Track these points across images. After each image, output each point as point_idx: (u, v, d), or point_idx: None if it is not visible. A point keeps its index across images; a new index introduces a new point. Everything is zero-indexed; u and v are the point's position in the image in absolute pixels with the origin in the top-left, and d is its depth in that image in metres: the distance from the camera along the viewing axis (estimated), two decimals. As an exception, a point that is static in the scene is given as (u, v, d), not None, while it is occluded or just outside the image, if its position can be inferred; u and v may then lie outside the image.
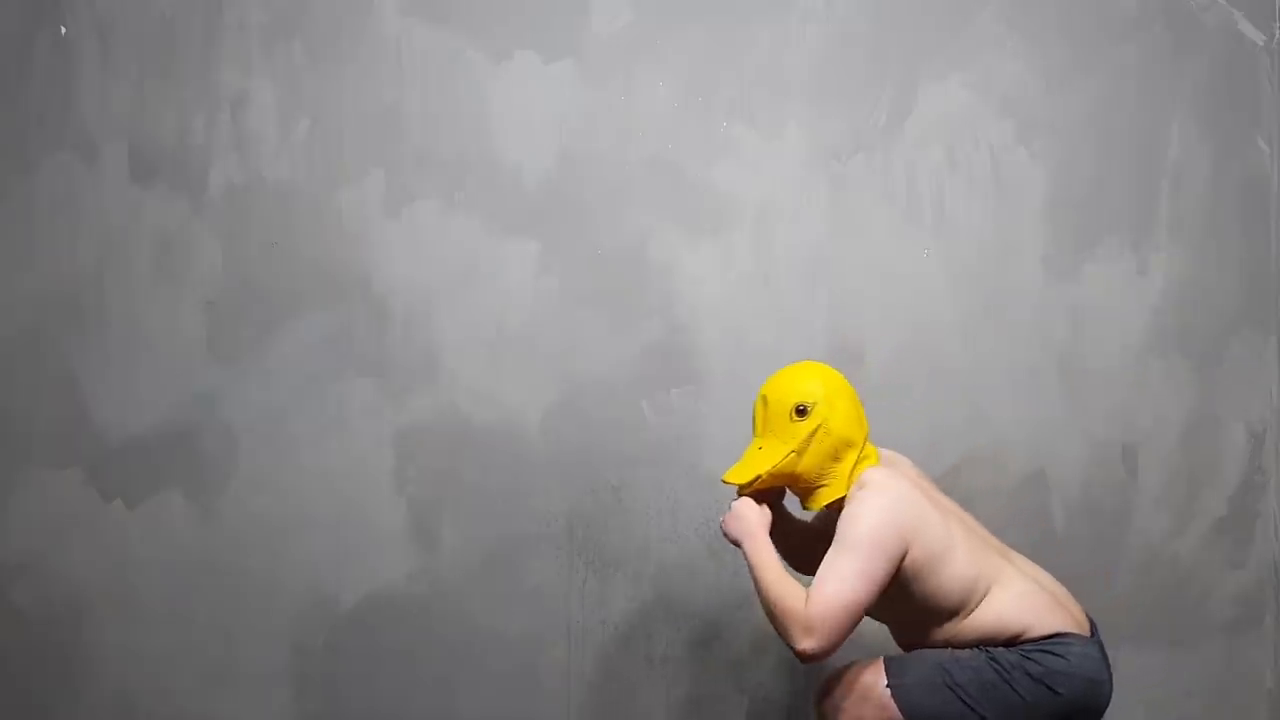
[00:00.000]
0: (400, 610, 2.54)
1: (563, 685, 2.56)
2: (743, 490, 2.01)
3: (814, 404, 1.97)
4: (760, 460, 1.98)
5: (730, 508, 2.02)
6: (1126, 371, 2.65)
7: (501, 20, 2.56)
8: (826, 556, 1.89)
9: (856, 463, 1.99)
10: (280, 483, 2.53)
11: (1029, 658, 1.93)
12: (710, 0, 2.60)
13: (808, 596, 1.85)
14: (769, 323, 2.58)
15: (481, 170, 2.56)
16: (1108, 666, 2.01)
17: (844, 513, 1.93)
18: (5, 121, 2.51)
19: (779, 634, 1.88)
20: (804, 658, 1.83)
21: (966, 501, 2.59)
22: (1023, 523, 2.62)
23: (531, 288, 2.56)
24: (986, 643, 1.97)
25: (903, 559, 1.89)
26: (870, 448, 2.03)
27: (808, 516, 2.18)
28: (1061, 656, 1.93)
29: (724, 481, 2.02)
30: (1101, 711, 2.00)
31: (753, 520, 1.97)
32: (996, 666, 1.93)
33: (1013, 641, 1.96)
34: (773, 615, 1.88)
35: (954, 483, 2.59)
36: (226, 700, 2.52)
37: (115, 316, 2.51)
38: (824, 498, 1.99)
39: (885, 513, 1.89)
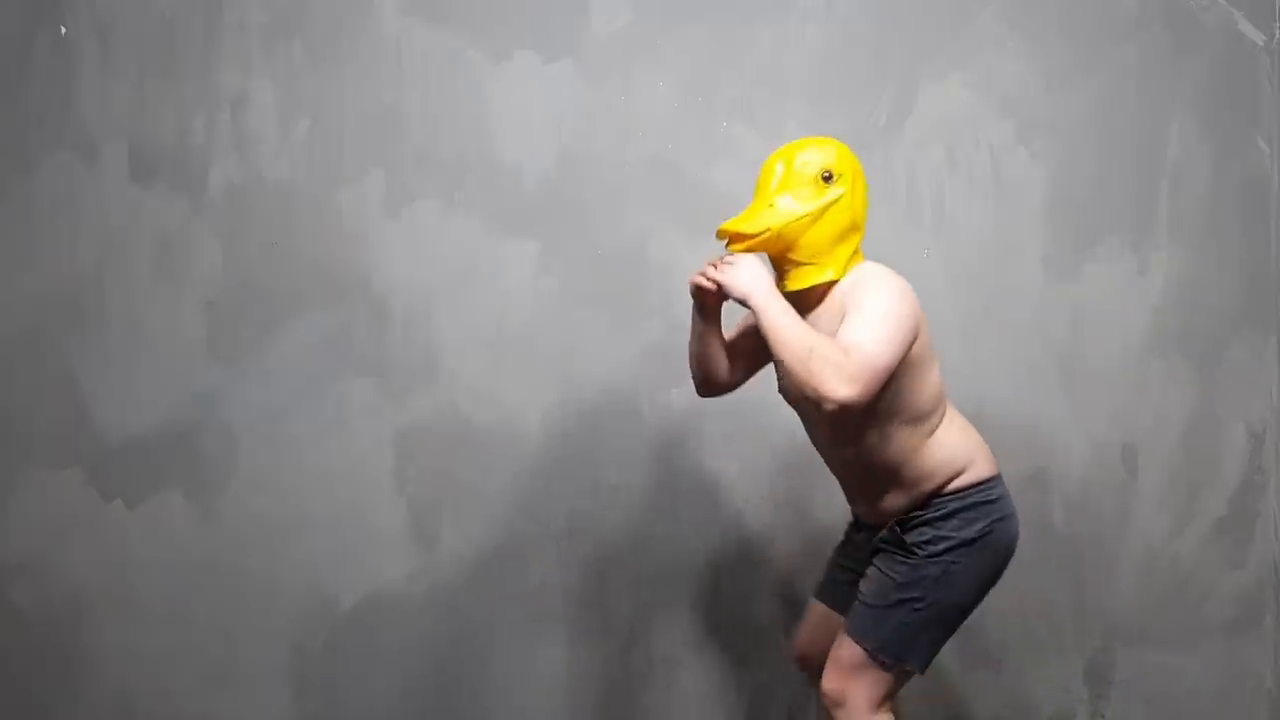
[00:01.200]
0: (400, 610, 2.54)
1: (563, 685, 2.55)
2: (743, 243, 1.87)
3: (841, 174, 1.90)
4: (773, 214, 1.86)
5: (724, 260, 1.88)
6: (1127, 371, 2.65)
7: (501, 20, 2.56)
8: (851, 321, 1.80)
9: (854, 254, 1.92)
10: (280, 483, 2.53)
11: (959, 515, 1.94)
12: (710, 0, 2.60)
13: (845, 349, 1.76)
14: (769, 323, 2.58)
15: (481, 170, 2.56)
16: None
17: (860, 291, 1.85)
18: (5, 121, 2.51)
19: (806, 382, 1.75)
20: (840, 406, 1.74)
21: (966, 501, 2.60)
22: (1023, 523, 2.61)
23: (531, 288, 2.56)
24: (934, 473, 1.95)
25: (912, 344, 1.85)
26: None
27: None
28: (990, 501, 1.97)
29: (723, 231, 1.88)
30: (1014, 545, 2.02)
31: (762, 271, 1.84)
32: (933, 558, 1.93)
33: (949, 480, 1.96)
34: (807, 362, 1.74)
35: (954, 483, 2.60)
36: (226, 700, 2.52)
37: (115, 316, 2.51)
38: (812, 276, 1.90)
39: (906, 293, 1.86)
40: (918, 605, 1.93)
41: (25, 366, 2.50)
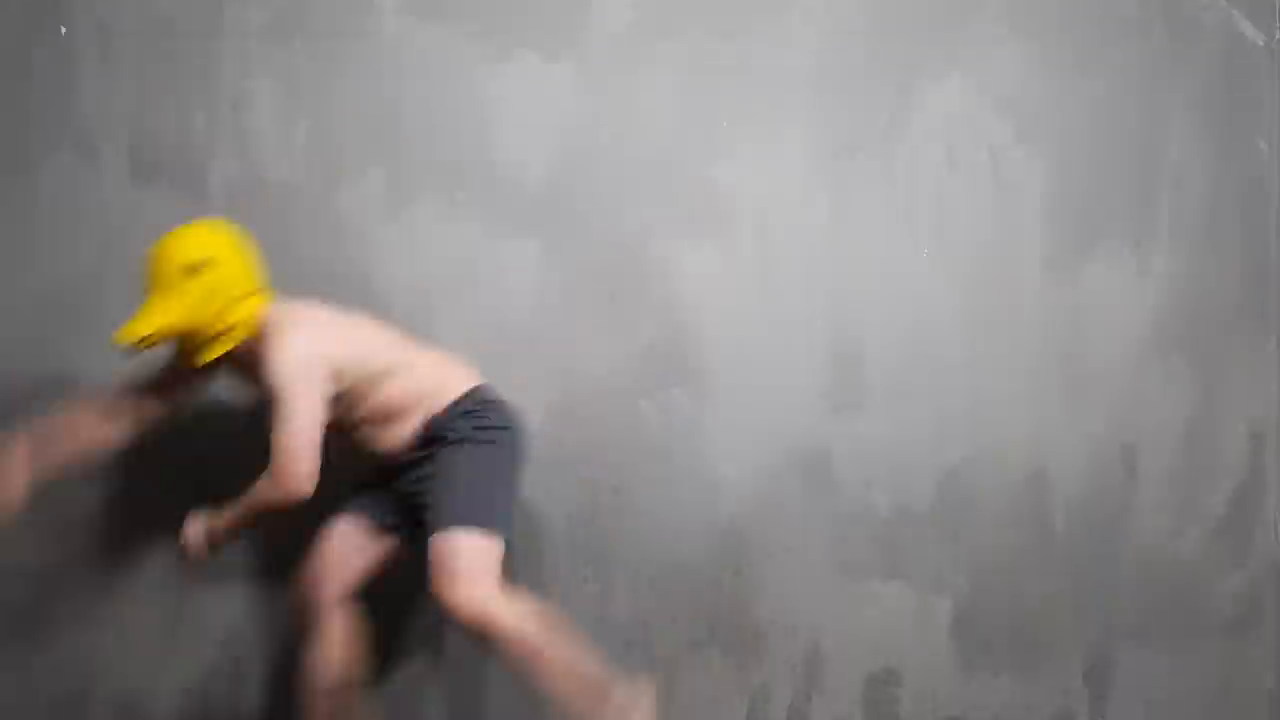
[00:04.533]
0: (399, 609, 2.54)
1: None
2: (137, 346, 2.03)
3: (205, 260, 2.04)
4: (149, 320, 2.02)
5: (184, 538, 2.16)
6: (1127, 372, 2.66)
7: (501, 20, 2.56)
8: (274, 417, 2.01)
9: (251, 315, 2.09)
10: (280, 483, 2.52)
11: (483, 412, 2.18)
12: (711, 0, 2.60)
13: (273, 461, 1.99)
14: (769, 322, 2.58)
15: (481, 170, 2.56)
16: None
17: (267, 364, 2.03)
18: (5, 121, 2.51)
19: (275, 510, 2.02)
20: (293, 497, 2.00)
21: (966, 501, 2.61)
22: (1023, 523, 2.62)
23: (531, 288, 2.56)
24: (419, 404, 2.16)
25: (332, 389, 2.06)
26: (263, 292, 2.14)
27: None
28: (491, 401, 2.22)
29: (115, 341, 2.10)
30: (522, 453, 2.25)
31: (198, 524, 2.14)
32: (475, 441, 2.14)
33: (444, 404, 2.17)
34: (262, 506, 2.03)
35: (955, 483, 2.60)
36: (227, 699, 2.52)
37: (115, 316, 2.51)
38: (218, 348, 2.08)
39: (304, 350, 2.04)
40: (480, 472, 2.12)
41: (25, 366, 2.50)
